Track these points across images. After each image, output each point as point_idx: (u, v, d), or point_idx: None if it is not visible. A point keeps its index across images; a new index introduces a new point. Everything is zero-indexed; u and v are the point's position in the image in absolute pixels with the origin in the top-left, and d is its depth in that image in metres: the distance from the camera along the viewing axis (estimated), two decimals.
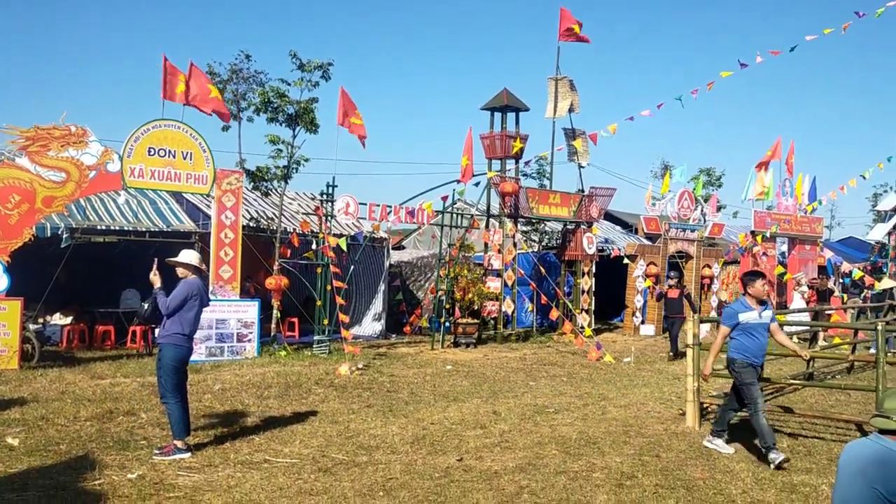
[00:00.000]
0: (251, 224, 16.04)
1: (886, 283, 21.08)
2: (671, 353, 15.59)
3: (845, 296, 24.04)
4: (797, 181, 24.32)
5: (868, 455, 3.98)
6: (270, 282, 14.71)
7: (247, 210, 16.55)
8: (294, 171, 15.58)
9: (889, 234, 26.07)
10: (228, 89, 16.10)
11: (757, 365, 7.85)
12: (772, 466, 7.28)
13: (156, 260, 7.69)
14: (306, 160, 15.69)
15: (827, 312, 17.57)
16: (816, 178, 25.79)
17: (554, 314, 18.63)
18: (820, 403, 10.94)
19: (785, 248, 25.21)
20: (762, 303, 7.89)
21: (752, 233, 22.48)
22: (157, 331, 7.88)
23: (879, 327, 8.36)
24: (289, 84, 15.32)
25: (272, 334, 15.08)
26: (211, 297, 13.58)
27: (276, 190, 16.06)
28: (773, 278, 23.23)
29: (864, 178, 23.37)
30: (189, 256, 7.70)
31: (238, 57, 16.36)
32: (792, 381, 10.81)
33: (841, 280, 25.25)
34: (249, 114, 15.92)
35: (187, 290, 7.47)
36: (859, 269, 24.47)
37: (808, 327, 15.53)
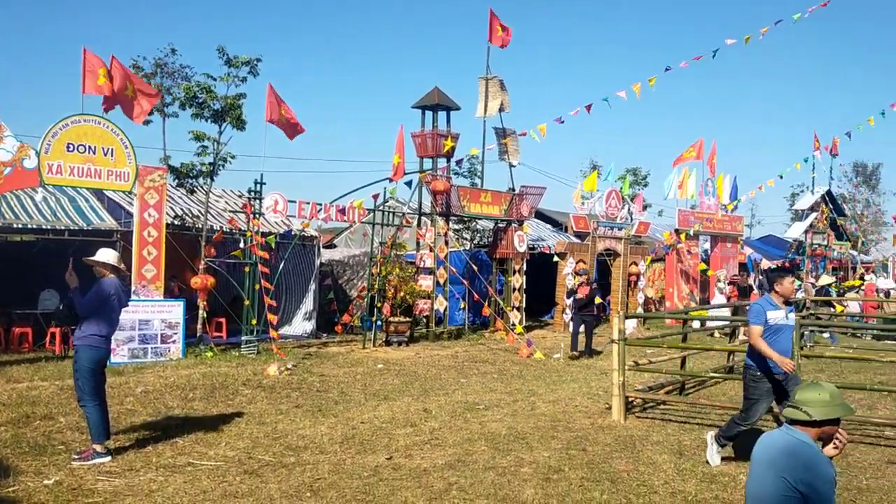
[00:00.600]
0: (176, 222, 15.66)
1: (825, 279, 21.99)
2: (587, 352, 15.64)
3: (761, 291, 24.89)
4: (718, 181, 25.07)
5: (779, 445, 4.14)
6: (196, 281, 14.39)
7: (171, 208, 16.14)
8: (220, 167, 15.27)
9: (806, 232, 27.15)
10: (153, 84, 15.65)
11: (777, 372, 7.08)
12: (708, 457, 7.31)
13: (71, 259, 7.43)
14: (233, 157, 15.41)
15: (747, 308, 18.17)
16: (737, 178, 26.67)
17: (486, 311, 18.75)
18: (739, 396, 11.26)
19: (707, 245, 25.97)
20: (788, 303, 7.27)
21: (677, 231, 23.08)
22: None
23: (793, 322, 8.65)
24: (215, 79, 15.02)
25: (198, 335, 14.75)
26: (134, 297, 13.28)
27: (201, 187, 15.72)
28: (697, 275, 23.92)
29: (781, 177, 24.31)
30: (106, 255, 7.47)
31: (163, 51, 15.93)
32: (713, 375, 11.15)
33: (760, 277, 26.13)
34: (174, 109, 15.53)
35: (104, 291, 7.24)
36: (777, 266, 25.40)
37: (728, 322, 16.03)
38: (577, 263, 20.45)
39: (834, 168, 30.45)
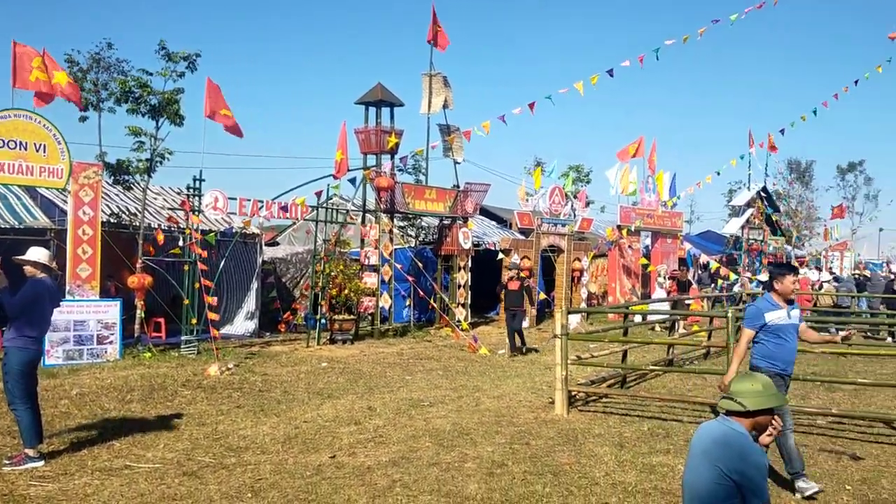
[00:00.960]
0: (112, 220, 15.26)
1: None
2: (511, 351, 15.29)
3: (700, 286, 25.46)
4: (658, 178, 25.52)
5: (713, 435, 4.23)
6: (133, 280, 14.03)
7: (107, 205, 15.73)
8: (158, 164, 14.91)
9: (742, 227, 27.86)
10: (88, 79, 15.22)
11: (786, 374, 6.71)
12: (799, 496, 6.43)
13: (0, 258, 7.17)
14: (171, 153, 15.06)
15: (686, 302, 18.57)
16: (676, 175, 27.19)
17: (433, 306, 18.75)
18: (679, 388, 11.52)
19: (649, 241, 26.42)
20: (790, 302, 6.82)
21: (619, 227, 23.43)
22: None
23: (729, 314, 8.88)
24: (151, 74, 14.67)
25: (136, 335, 14.41)
26: (69, 297, 12.92)
27: (138, 184, 15.34)
28: (638, 270, 24.34)
29: (718, 174, 24.91)
30: (37, 254, 7.23)
31: (99, 45, 15.47)
32: (653, 368, 11.35)
33: (699, 271, 26.76)
34: (110, 104, 15.11)
35: (35, 290, 7.01)
36: (715, 261, 26.03)
37: (668, 316, 16.35)
38: (521, 259, 20.60)
39: (770, 165, 31.29)
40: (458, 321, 18.50)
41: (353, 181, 18.28)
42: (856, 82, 24.31)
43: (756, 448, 4.12)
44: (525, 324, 15.70)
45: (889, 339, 18.99)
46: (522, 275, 16.28)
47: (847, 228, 42.99)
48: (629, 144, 23.79)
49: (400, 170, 19.20)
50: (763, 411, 4.23)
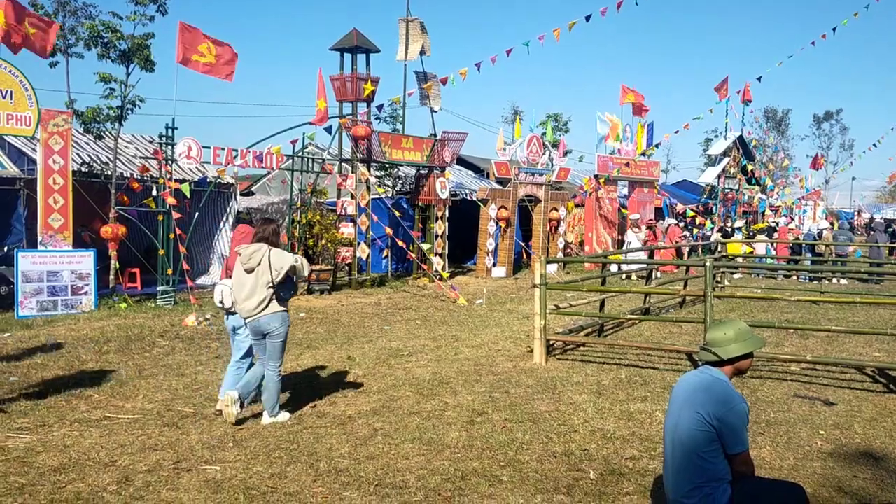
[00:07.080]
0: (83, 169, 14.97)
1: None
2: None
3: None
4: (638, 127, 25.45)
5: (695, 383, 4.28)
6: (106, 230, 13.82)
7: (78, 154, 15.42)
8: (129, 111, 14.58)
9: (718, 176, 27.97)
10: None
11: None
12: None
13: None
14: (142, 100, 14.72)
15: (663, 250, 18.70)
16: (653, 125, 27.13)
17: (411, 257, 18.69)
18: (655, 336, 11.65)
19: (626, 190, 26.46)
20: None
21: (596, 177, 23.40)
22: None
23: (708, 263, 8.93)
24: (121, 18, 14.24)
25: (111, 286, 14.25)
26: (41, 247, 12.72)
27: (109, 132, 15.00)
28: (616, 220, 24.42)
29: (696, 119, 24.90)
30: None
31: None
32: (630, 317, 11.45)
33: (674, 221, 26.89)
34: (79, 49, 14.71)
35: None
36: (692, 209, 26.19)
37: (645, 266, 16.45)
38: (498, 209, 20.50)
39: (746, 114, 31.29)
40: (437, 271, 18.49)
41: (329, 129, 18.03)
42: (833, 30, 24.27)
43: (737, 395, 4.16)
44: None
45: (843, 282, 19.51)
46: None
47: (820, 178, 43.31)
48: (627, 96, 23.70)
49: (377, 118, 18.95)
50: (741, 357, 4.28)
